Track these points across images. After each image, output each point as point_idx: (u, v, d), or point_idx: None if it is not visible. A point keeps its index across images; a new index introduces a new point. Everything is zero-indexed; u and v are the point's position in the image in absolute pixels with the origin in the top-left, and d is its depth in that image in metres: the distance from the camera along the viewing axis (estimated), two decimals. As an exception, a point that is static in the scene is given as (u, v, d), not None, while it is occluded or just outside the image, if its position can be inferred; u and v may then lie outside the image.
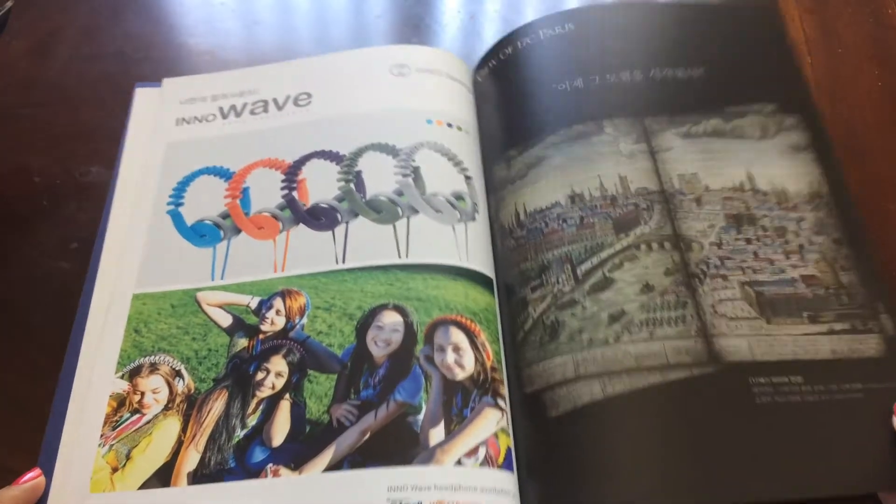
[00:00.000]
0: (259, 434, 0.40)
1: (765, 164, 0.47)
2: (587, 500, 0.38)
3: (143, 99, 0.55)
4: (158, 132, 0.53)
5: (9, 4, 0.60)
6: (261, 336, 0.44)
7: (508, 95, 0.53)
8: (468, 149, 0.51)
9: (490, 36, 0.62)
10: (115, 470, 0.40)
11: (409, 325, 0.43)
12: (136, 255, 0.47)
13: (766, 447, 0.38)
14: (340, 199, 0.48)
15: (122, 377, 0.42)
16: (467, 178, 0.49)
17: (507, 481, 0.39)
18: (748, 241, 0.45)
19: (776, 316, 0.42)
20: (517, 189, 0.49)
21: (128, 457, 0.40)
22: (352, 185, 0.49)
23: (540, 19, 0.55)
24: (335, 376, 0.42)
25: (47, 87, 0.57)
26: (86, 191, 0.52)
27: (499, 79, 0.54)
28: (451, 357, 0.41)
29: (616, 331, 0.42)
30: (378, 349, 0.42)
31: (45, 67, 0.58)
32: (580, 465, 0.39)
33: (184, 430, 0.41)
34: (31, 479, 0.39)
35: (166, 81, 0.56)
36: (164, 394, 0.42)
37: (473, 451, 0.39)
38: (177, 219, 0.49)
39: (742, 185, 0.47)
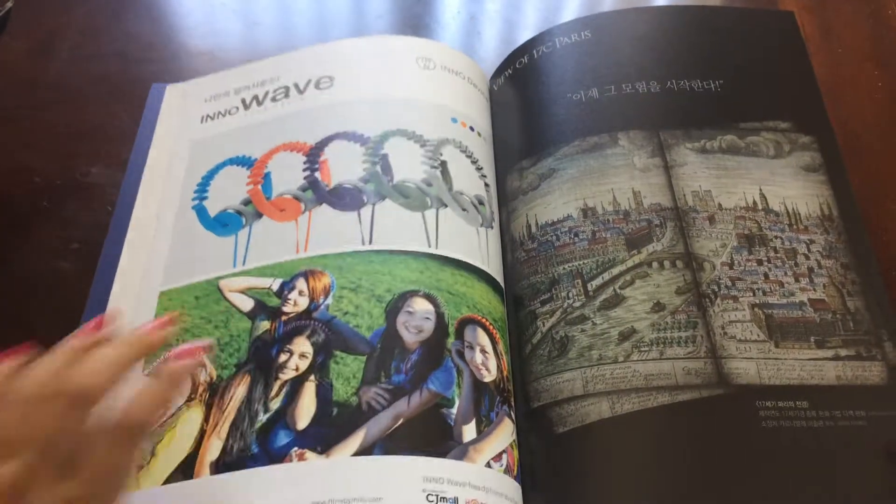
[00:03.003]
0: (283, 417, 0.41)
1: (778, 183, 0.49)
2: None
3: (159, 97, 0.56)
4: (183, 131, 0.55)
5: (9, 5, 0.61)
6: (283, 318, 0.44)
7: (523, 105, 0.54)
8: (486, 156, 0.53)
9: (490, 36, 0.62)
10: (139, 468, 0.40)
11: (440, 316, 0.43)
12: (162, 254, 0.49)
13: (771, 471, 0.40)
14: (366, 181, 0.49)
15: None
16: (486, 185, 0.51)
17: (519, 494, 0.40)
18: (759, 262, 0.46)
19: (784, 340, 0.43)
20: (529, 200, 0.50)
21: (153, 453, 0.41)
22: (378, 168, 0.50)
23: (557, 27, 0.56)
24: (363, 358, 0.42)
25: (47, 87, 0.59)
26: (87, 191, 0.53)
27: (514, 88, 0.55)
28: (479, 357, 0.42)
29: (626, 349, 0.43)
30: (410, 335, 0.43)
31: (46, 67, 0.59)
32: (587, 484, 0.40)
33: (206, 419, 0.42)
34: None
35: (192, 82, 0.58)
36: (186, 386, 0.43)
37: (499, 457, 0.40)
38: (201, 213, 0.51)
39: (755, 205, 0.48)
